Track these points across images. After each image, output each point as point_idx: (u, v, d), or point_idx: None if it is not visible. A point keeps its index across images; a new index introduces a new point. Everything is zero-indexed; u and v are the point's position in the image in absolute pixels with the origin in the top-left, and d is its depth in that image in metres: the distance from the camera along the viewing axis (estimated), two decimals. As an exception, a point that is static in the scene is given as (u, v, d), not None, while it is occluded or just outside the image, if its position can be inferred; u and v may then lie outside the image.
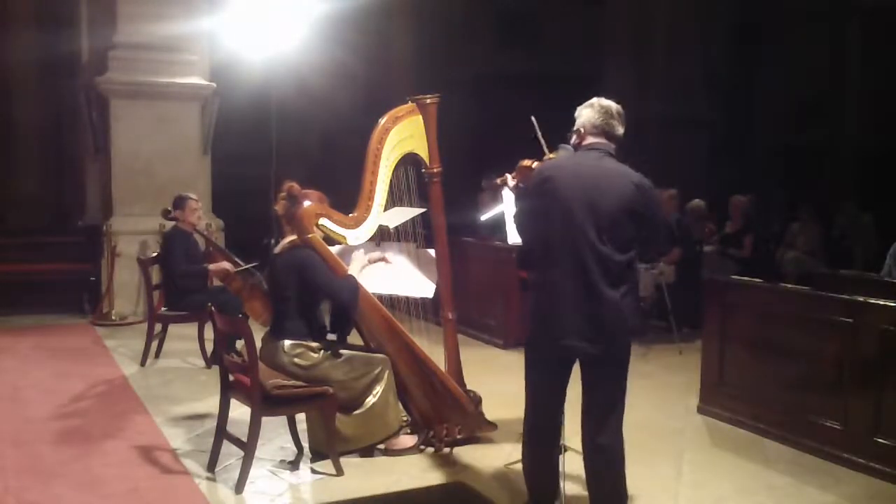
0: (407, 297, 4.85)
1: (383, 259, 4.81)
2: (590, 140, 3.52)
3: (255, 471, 4.20)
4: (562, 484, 3.92)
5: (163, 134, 8.67)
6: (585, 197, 3.35)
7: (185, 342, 6.84)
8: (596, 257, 3.32)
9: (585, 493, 3.59)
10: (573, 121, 3.60)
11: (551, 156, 4.10)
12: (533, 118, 4.20)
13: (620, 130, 3.54)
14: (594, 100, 3.57)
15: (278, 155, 7.97)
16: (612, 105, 3.55)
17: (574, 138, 3.60)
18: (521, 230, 3.70)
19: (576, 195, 3.36)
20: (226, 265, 6.34)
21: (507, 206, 4.44)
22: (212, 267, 6.43)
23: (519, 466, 3.82)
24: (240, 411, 4.31)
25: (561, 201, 3.38)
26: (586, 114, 3.54)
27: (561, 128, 3.79)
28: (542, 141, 4.20)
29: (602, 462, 3.45)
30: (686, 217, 8.69)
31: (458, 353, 4.83)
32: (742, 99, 14.29)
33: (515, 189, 4.04)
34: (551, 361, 3.48)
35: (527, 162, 4.12)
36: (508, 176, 4.09)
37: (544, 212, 3.45)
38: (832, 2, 13.47)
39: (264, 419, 4.16)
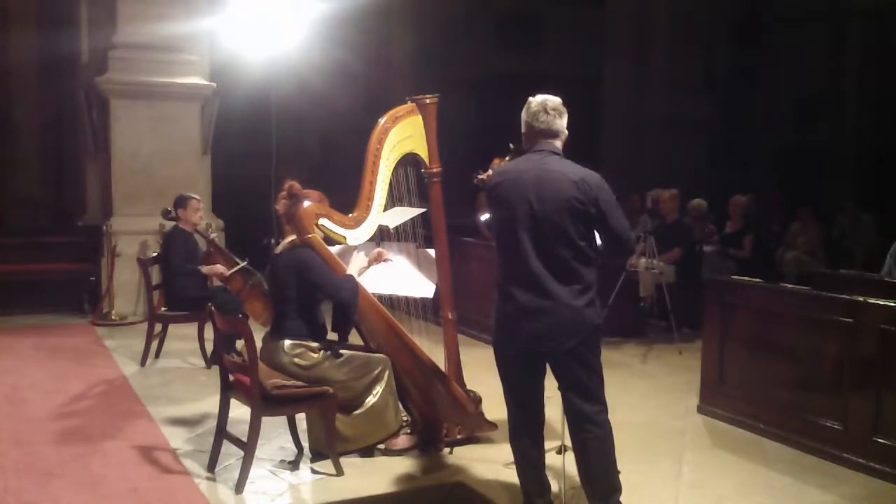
0: (407, 297, 4.85)
1: (383, 258, 4.80)
2: (533, 141, 3.52)
3: (255, 471, 4.20)
4: (562, 484, 3.93)
5: (163, 134, 8.68)
6: (526, 201, 3.37)
7: (185, 342, 6.85)
8: (543, 260, 3.35)
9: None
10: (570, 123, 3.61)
11: (507, 158, 4.12)
12: (511, 146, 4.21)
13: (560, 123, 3.50)
14: (530, 100, 3.54)
15: (278, 155, 7.97)
16: (546, 100, 3.50)
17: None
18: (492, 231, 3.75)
19: (518, 200, 3.39)
20: (219, 268, 6.33)
21: None
22: (205, 269, 6.43)
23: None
24: (240, 411, 4.31)
25: (507, 208, 3.42)
26: (523, 117, 3.54)
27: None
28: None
29: (591, 440, 3.45)
30: (686, 217, 8.69)
31: (458, 353, 4.83)
32: (742, 99, 14.28)
33: None
34: (516, 362, 3.52)
35: (497, 160, 4.14)
36: (491, 172, 4.07)
37: (497, 219, 3.52)
38: (832, 2, 13.46)
39: (264, 419, 4.16)
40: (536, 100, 3.52)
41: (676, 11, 13.39)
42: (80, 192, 9.63)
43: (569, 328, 3.36)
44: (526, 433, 3.62)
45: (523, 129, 3.56)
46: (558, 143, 3.51)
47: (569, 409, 3.52)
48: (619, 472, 3.56)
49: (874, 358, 4.42)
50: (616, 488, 3.52)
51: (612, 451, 3.51)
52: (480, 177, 4.16)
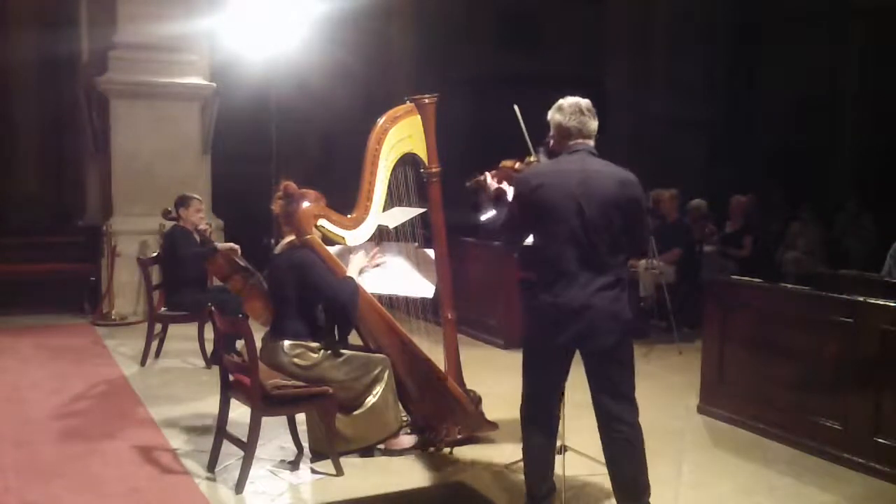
0: (407, 298, 4.85)
1: (375, 261, 4.79)
2: (567, 143, 3.53)
3: (255, 471, 4.20)
4: (562, 484, 3.93)
5: (163, 134, 8.68)
6: (572, 201, 3.39)
7: (185, 342, 6.85)
8: (585, 258, 3.38)
9: (585, 493, 3.60)
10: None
11: (531, 159, 4.10)
12: (515, 107, 4.18)
13: (594, 125, 3.55)
14: (561, 101, 3.57)
15: (278, 155, 7.97)
16: (579, 102, 3.54)
17: (550, 143, 3.63)
18: (513, 232, 3.70)
19: (563, 200, 3.41)
20: (232, 245, 6.37)
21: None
22: (221, 246, 6.42)
23: (519, 466, 3.81)
24: (240, 411, 4.31)
25: (550, 208, 3.43)
26: (557, 118, 3.55)
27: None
28: (525, 132, 4.19)
29: (622, 440, 3.48)
30: (686, 217, 8.69)
31: (457, 353, 4.83)
32: (742, 99, 14.27)
33: (497, 190, 3.95)
34: (550, 358, 3.54)
35: (508, 162, 4.09)
36: (488, 175, 4.02)
37: (536, 219, 3.50)
38: (832, 2, 13.46)
39: (264, 419, 4.16)
40: (569, 101, 3.54)
41: (676, 11, 13.40)
42: (80, 192, 9.63)
43: (608, 326, 3.40)
44: (541, 430, 3.61)
45: (554, 131, 3.56)
46: (592, 143, 3.54)
47: (599, 409, 3.53)
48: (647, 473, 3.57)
49: (874, 358, 4.42)
50: (646, 489, 3.55)
51: (643, 450, 3.53)
52: (479, 179, 4.11)
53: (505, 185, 3.92)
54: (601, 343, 3.42)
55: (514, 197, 3.65)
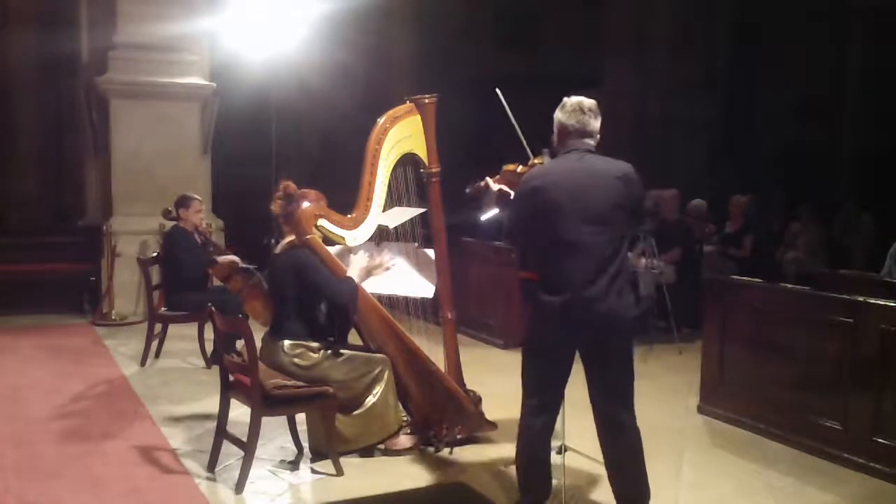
0: (406, 298, 4.85)
1: (384, 267, 4.78)
2: (567, 142, 3.55)
3: (255, 471, 4.20)
4: (563, 484, 3.93)
5: (163, 134, 8.68)
6: (575, 200, 3.40)
7: (185, 342, 6.85)
8: (593, 256, 3.38)
9: (585, 493, 3.59)
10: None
11: (536, 161, 4.11)
12: (497, 90, 4.18)
13: (595, 124, 3.57)
14: (564, 100, 3.59)
15: (278, 155, 7.97)
16: (582, 101, 3.57)
17: (553, 142, 3.64)
18: (515, 234, 3.72)
19: (567, 201, 3.40)
20: (233, 257, 6.37)
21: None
22: (221, 259, 6.42)
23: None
24: (240, 411, 4.31)
25: (553, 209, 3.42)
26: (558, 116, 3.58)
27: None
28: (513, 119, 4.18)
29: (625, 446, 3.49)
30: (686, 217, 8.69)
31: (457, 353, 4.83)
32: (742, 99, 14.27)
33: (499, 193, 3.95)
34: (556, 356, 3.52)
35: (511, 166, 4.09)
36: (489, 180, 4.02)
37: (538, 220, 3.48)
38: (832, 2, 13.46)
39: (264, 419, 4.16)
40: (572, 100, 3.57)
41: (676, 11, 13.38)
42: (80, 192, 9.63)
43: (614, 326, 3.41)
44: (541, 431, 3.60)
45: (556, 129, 3.58)
46: (592, 143, 3.56)
47: (599, 413, 3.53)
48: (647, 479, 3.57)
49: (874, 358, 4.43)
50: (646, 495, 3.54)
51: (643, 455, 3.53)
52: (479, 184, 4.10)
53: (507, 189, 3.91)
54: (607, 343, 3.43)
55: (515, 199, 3.65)
